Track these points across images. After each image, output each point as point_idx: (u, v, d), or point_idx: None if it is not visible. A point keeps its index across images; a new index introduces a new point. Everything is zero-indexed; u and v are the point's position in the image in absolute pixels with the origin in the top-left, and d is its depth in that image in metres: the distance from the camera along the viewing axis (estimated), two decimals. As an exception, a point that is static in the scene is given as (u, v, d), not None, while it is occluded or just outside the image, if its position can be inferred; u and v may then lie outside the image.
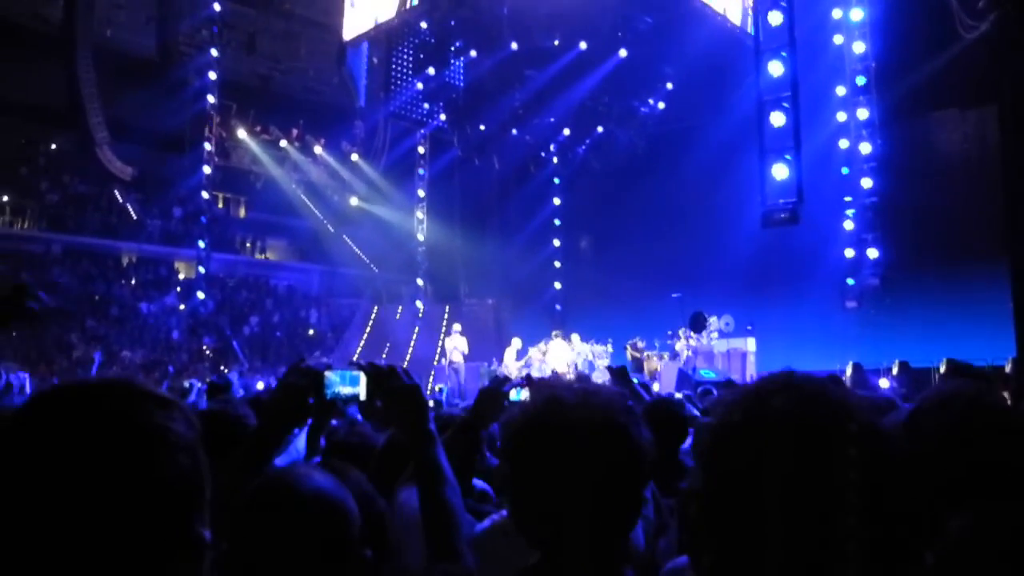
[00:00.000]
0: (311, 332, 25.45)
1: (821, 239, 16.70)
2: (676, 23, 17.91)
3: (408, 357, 21.81)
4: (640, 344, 15.78)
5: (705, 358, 15.04)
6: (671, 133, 20.77)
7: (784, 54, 12.52)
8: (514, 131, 22.89)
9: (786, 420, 0.88)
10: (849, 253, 17.00)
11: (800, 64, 12.80)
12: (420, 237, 25.20)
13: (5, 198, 23.66)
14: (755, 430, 0.88)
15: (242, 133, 26.13)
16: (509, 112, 22.19)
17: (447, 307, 24.05)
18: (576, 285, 23.49)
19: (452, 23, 20.25)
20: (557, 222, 24.49)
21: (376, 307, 25.27)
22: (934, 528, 1.34)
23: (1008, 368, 9.52)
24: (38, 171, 24.41)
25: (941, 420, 1.62)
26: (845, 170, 17.02)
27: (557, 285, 24.23)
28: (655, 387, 11.72)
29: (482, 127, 22.93)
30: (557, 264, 24.36)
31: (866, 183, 16.69)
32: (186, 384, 10.62)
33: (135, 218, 25.64)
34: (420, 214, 25.20)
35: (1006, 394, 6.05)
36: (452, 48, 21.40)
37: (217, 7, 23.75)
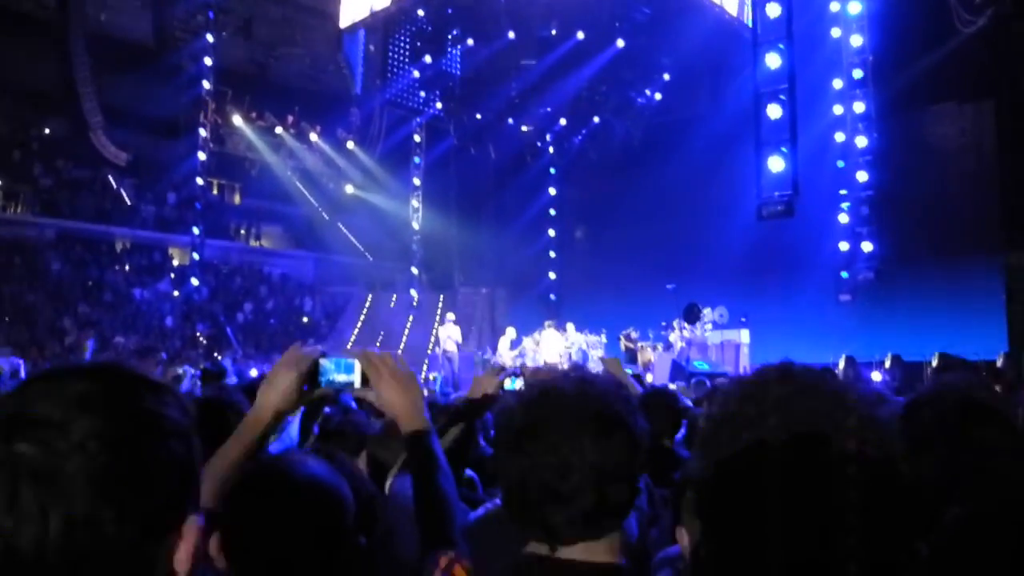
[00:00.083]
0: (305, 320, 25.40)
1: (816, 232, 16.74)
2: (674, 14, 17.89)
3: (402, 345, 21.81)
4: (634, 335, 15.80)
5: (699, 349, 15.10)
6: (668, 124, 20.75)
7: (781, 46, 12.52)
8: (510, 120, 22.88)
9: (785, 409, 0.88)
10: (844, 246, 17.04)
11: (797, 57, 12.82)
12: (415, 226, 25.14)
13: (-1, 183, 23.57)
14: (754, 419, 0.88)
15: (237, 119, 25.98)
16: (506, 101, 22.17)
17: (441, 296, 24.06)
18: (571, 275, 23.48)
19: (449, 11, 20.21)
20: (552, 212, 24.44)
21: (370, 295, 25.24)
22: (930, 519, 1.34)
23: (999, 362, 9.58)
24: (32, 156, 24.26)
25: (937, 412, 1.63)
26: (841, 163, 17.05)
27: (552, 275, 24.21)
28: (648, 378, 11.75)
29: (478, 116, 22.91)
30: (552, 254, 24.34)
31: (862, 176, 16.72)
32: (180, 371, 10.62)
33: (129, 204, 25.54)
34: (415, 203, 25.14)
35: (998, 388, 6.09)
36: (449, 36, 21.36)
37: (213, -8, 23.63)
